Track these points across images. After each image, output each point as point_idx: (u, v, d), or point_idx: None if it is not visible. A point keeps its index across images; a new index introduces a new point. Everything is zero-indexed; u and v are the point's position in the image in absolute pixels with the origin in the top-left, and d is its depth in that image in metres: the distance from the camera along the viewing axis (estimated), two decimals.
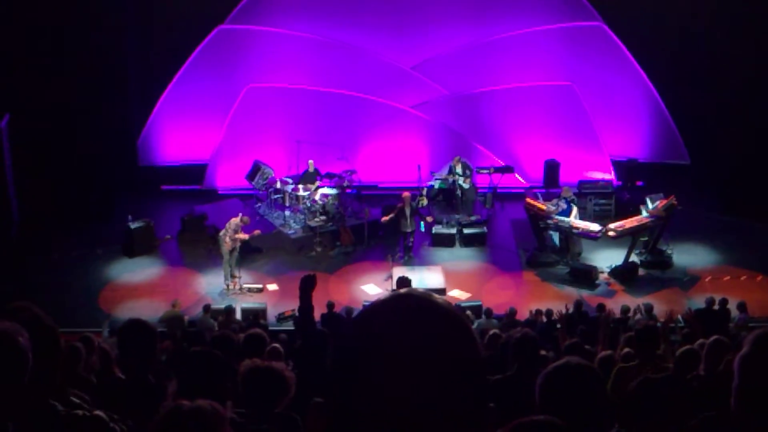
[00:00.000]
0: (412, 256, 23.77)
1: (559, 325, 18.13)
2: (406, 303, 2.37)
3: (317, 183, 25.33)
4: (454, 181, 26.22)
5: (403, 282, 8.66)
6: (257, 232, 22.98)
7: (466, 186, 26.17)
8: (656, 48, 26.55)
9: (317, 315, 17.24)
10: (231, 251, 22.03)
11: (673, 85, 27.00)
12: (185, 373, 7.32)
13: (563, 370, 4.30)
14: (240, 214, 22.52)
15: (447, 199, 26.92)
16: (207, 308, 19.23)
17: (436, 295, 2.43)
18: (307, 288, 9.32)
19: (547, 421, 3.89)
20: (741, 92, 25.71)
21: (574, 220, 23.05)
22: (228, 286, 22.08)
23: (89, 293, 21.91)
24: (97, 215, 25.16)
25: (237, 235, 22.00)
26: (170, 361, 11.15)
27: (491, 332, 13.74)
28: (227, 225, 22.11)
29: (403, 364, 2.24)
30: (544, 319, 18.50)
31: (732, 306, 18.69)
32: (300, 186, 24.89)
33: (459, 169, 26.24)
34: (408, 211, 23.31)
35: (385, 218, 23.67)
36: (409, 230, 23.49)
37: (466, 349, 2.33)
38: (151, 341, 6.63)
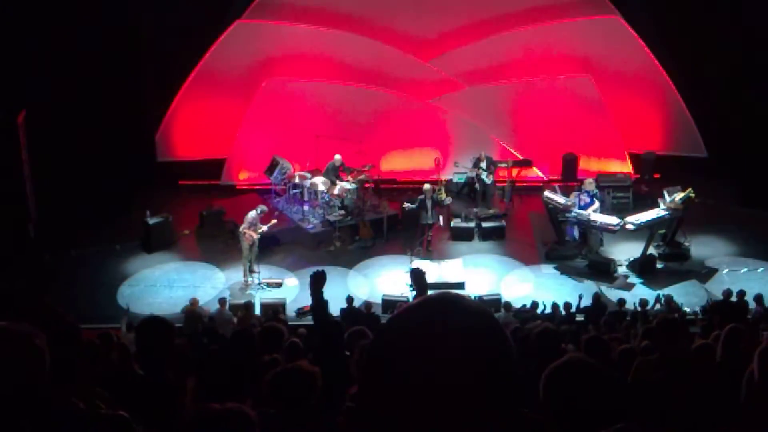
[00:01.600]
0: (431, 250, 23.77)
1: (579, 317, 18.23)
2: (437, 307, 2.36)
3: (340, 176, 25.36)
4: (477, 175, 26.17)
5: (417, 274, 8.64)
6: (274, 221, 23.00)
7: (488, 181, 26.15)
8: (673, 41, 26.42)
9: (336, 309, 17.36)
10: (251, 246, 22.07)
11: (690, 78, 26.90)
12: (205, 370, 7.35)
13: (564, 368, 4.29)
14: (257, 207, 22.55)
15: (468, 192, 26.91)
16: (223, 302, 19.24)
17: (466, 297, 2.43)
18: (317, 285, 9.31)
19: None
20: (758, 84, 25.59)
21: (592, 213, 23.00)
22: (247, 281, 22.12)
23: (108, 289, 21.98)
24: (116, 211, 25.18)
25: (257, 228, 22.03)
26: (189, 358, 11.18)
27: (511, 326, 13.74)
28: (245, 219, 22.15)
29: (435, 369, 2.23)
30: (563, 312, 18.52)
31: (749, 298, 18.64)
32: (318, 180, 24.88)
33: (484, 164, 26.19)
34: (429, 204, 23.33)
35: (408, 205, 23.67)
36: (430, 222, 23.51)
37: (500, 351, 2.33)
38: (168, 338, 6.65)
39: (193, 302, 19.31)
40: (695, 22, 25.88)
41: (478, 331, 2.31)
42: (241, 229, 22.16)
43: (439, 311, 2.34)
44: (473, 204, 26.10)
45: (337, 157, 25.61)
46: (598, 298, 19.44)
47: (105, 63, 25.26)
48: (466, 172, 26.66)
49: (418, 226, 23.74)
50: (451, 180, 26.98)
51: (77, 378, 4.40)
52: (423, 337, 2.28)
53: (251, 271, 22.25)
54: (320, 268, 9.40)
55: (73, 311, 18.53)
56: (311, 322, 17.76)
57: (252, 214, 22.13)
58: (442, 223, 24.46)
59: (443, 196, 24.61)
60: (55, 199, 23.70)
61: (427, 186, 23.76)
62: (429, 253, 23.62)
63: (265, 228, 22.27)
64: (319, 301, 9.34)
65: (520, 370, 2.39)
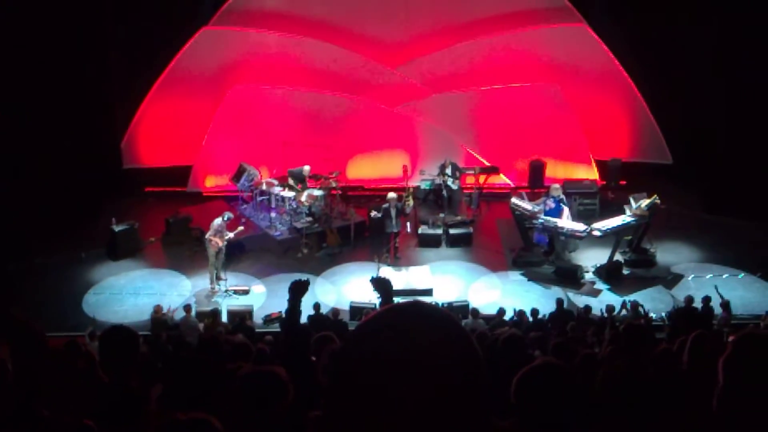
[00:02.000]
0: (398, 257, 23.79)
1: (550, 325, 18.28)
2: (403, 315, 2.36)
3: (301, 185, 25.38)
4: (442, 182, 26.23)
5: (380, 282, 8.59)
6: (241, 228, 22.98)
7: (454, 187, 26.20)
8: (638, 48, 26.55)
9: (304, 317, 17.32)
10: (217, 253, 22.01)
11: (656, 85, 27.04)
12: (171, 378, 7.30)
13: (536, 372, 4.31)
14: (223, 213, 22.53)
15: (435, 199, 26.95)
16: (188, 309, 19.13)
17: (432, 304, 2.43)
18: (297, 293, 9.24)
19: None
20: (723, 91, 25.74)
21: (560, 219, 23.10)
22: (214, 288, 22.06)
23: (73, 297, 21.83)
24: (81, 218, 25.04)
25: (223, 235, 21.99)
26: (154, 366, 11.12)
27: (478, 332, 13.77)
28: (211, 226, 22.11)
29: (403, 377, 2.23)
30: (530, 318, 18.56)
31: (715, 304, 18.75)
32: (285, 186, 24.90)
33: (449, 170, 26.25)
34: (393, 213, 23.35)
35: (374, 213, 23.75)
36: (394, 231, 23.53)
37: (467, 358, 2.33)
38: (133, 347, 6.61)
39: (157, 309, 19.21)
40: (661, 30, 26.00)
41: (444, 339, 2.31)
42: (206, 236, 22.10)
43: (405, 319, 2.34)
44: (440, 210, 26.13)
45: (307, 168, 25.63)
46: (561, 304, 19.51)
47: (70, 70, 25.13)
48: (432, 179, 26.71)
49: (384, 234, 23.76)
50: (419, 187, 27.02)
51: (42, 386, 4.36)
52: (390, 345, 2.28)
53: (218, 279, 22.19)
54: (304, 277, 9.33)
55: (38, 319, 18.40)
56: (278, 330, 17.82)
57: (217, 221, 22.10)
58: (409, 230, 24.49)
59: (411, 202, 24.64)
60: (19, 207, 23.53)
61: (390, 195, 23.79)
62: (396, 260, 23.63)
63: (231, 235, 22.23)
64: (294, 309, 9.27)
65: (487, 377, 2.39)
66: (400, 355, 2.25)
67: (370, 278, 8.50)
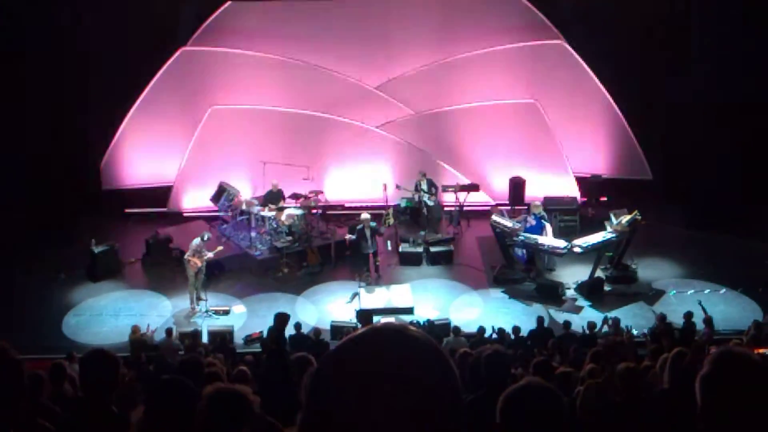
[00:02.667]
0: (380, 275, 23.75)
1: (529, 342, 18.29)
2: (381, 336, 2.35)
3: (282, 203, 25.39)
4: (419, 198, 26.24)
5: (364, 316, 8.60)
6: (220, 248, 22.95)
7: (431, 203, 26.19)
8: (616, 64, 26.66)
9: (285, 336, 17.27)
10: (196, 273, 21.94)
11: (635, 101, 27.13)
12: (152, 400, 7.24)
13: (522, 392, 4.29)
14: (202, 233, 22.50)
15: (413, 217, 26.92)
16: (169, 332, 19.08)
17: (410, 326, 2.42)
18: (280, 326, 9.26)
19: None
20: (701, 108, 25.86)
21: (540, 236, 23.14)
22: (194, 308, 21.98)
23: (53, 318, 21.72)
24: (61, 240, 24.96)
25: (202, 255, 21.94)
26: (135, 389, 11.05)
27: (461, 351, 13.73)
28: (190, 246, 22.06)
29: (380, 397, 2.22)
30: (512, 336, 18.56)
31: (697, 320, 18.77)
32: (265, 207, 24.90)
33: (424, 186, 26.24)
34: (368, 233, 23.32)
35: (349, 236, 23.77)
36: (370, 251, 23.50)
37: (443, 379, 2.32)
38: (113, 370, 6.55)
39: (134, 330, 19.11)
40: (639, 46, 26.11)
41: (423, 361, 2.30)
42: (185, 256, 22.04)
43: (383, 341, 2.33)
44: (419, 228, 26.11)
45: (274, 182, 25.71)
46: (542, 321, 19.52)
47: (49, 90, 25.09)
48: (411, 196, 26.66)
49: (362, 255, 23.73)
50: (399, 205, 26.98)
51: (19, 411, 4.31)
52: (367, 366, 2.27)
53: (198, 299, 22.11)
54: (286, 312, 9.41)
55: (17, 341, 18.30)
56: (259, 350, 17.77)
57: (196, 241, 22.07)
58: (390, 248, 24.48)
59: (391, 220, 24.64)
60: None
61: (364, 216, 23.79)
62: (378, 279, 23.58)
63: (210, 255, 22.18)
64: (278, 342, 9.27)
65: (466, 398, 2.38)
66: (378, 375, 2.25)
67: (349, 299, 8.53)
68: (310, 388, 2.37)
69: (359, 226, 23.51)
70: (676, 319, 19.11)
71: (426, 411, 2.24)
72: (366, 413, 2.22)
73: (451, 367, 2.35)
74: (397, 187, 26.51)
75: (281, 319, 9.46)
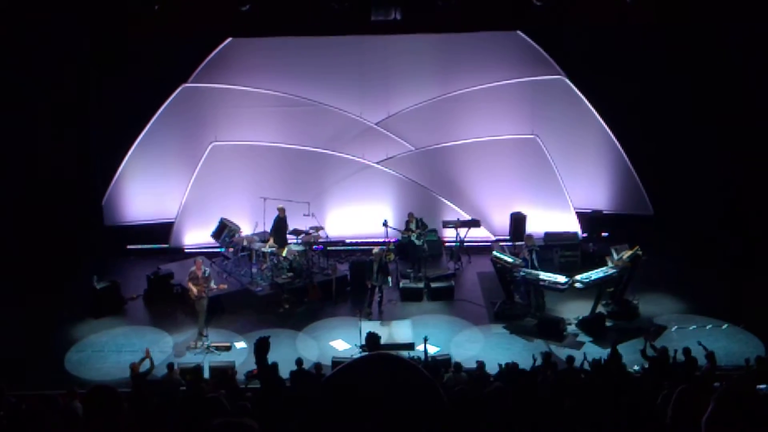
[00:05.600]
0: (381, 311, 23.73)
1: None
2: (372, 364, 2.40)
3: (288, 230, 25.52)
4: (407, 237, 26.26)
5: (372, 338, 8.64)
6: (223, 286, 22.97)
7: (418, 242, 26.02)
8: (618, 100, 26.74)
9: (286, 372, 17.27)
10: (199, 299, 21.98)
11: (636, 137, 27.22)
12: None
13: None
14: (194, 259, 22.65)
15: (402, 254, 26.91)
16: (171, 367, 19.03)
17: (398, 355, 2.47)
18: (261, 352, 9.23)
19: None
20: (703, 143, 25.95)
21: (540, 272, 23.17)
22: (195, 343, 21.94)
23: (55, 354, 21.69)
24: (63, 276, 24.99)
25: (202, 283, 21.99)
26: (137, 424, 11.05)
27: (459, 387, 13.71)
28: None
29: (371, 422, 2.26)
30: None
31: (698, 355, 18.70)
32: (266, 243, 24.95)
33: (413, 225, 26.20)
34: (375, 267, 23.37)
35: (369, 282, 23.82)
36: (376, 284, 23.51)
37: (432, 404, 2.36)
38: (116, 406, 6.56)
39: (133, 367, 19.02)
40: (640, 81, 26.20)
41: (411, 387, 2.35)
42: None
43: (373, 369, 2.38)
44: (411, 266, 26.13)
45: (281, 207, 25.77)
46: (549, 357, 19.43)
47: (51, 126, 25.20)
48: (399, 234, 26.64)
49: (366, 289, 23.75)
50: (399, 241, 26.97)
51: None
52: (358, 393, 2.31)
53: (200, 335, 22.10)
54: (264, 335, 9.34)
55: (18, 378, 18.33)
56: (259, 386, 17.71)
57: (192, 269, 22.21)
58: (390, 284, 24.48)
59: (391, 257, 24.67)
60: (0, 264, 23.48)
61: (376, 249, 23.89)
62: (381, 315, 23.56)
63: (213, 286, 22.21)
64: (264, 367, 9.25)
65: (451, 423, 2.43)
66: (369, 401, 2.29)
67: (367, 333, 8.50)
68: (306, 413, 2.42)
69: (369, 258, 23.59)
70: (678, 354, 19.06)
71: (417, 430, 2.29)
72: None
73: (438, 392, 2.40)
74: (385, 224, 26.34)
75: (260, 345, 9.37)
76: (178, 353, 21.33)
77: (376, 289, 23.64)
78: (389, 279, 24.01)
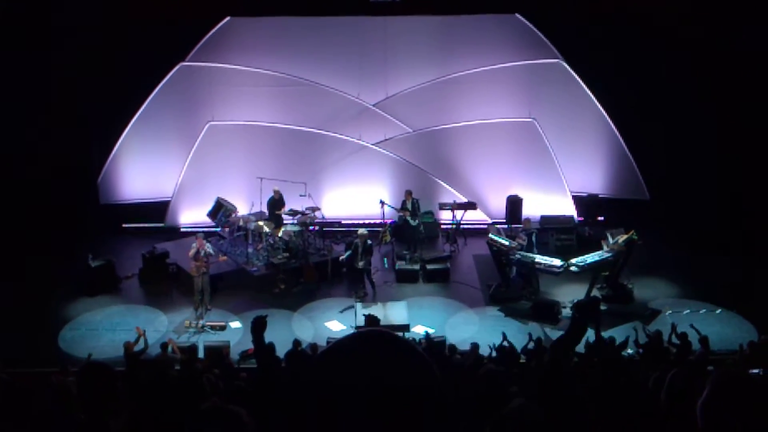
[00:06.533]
0: (375, 291, 23.76)
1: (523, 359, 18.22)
2: (365, 341, 2.39)
3: (283, 210, 25.60)
4: (402, 217, 26.25)
5: (371, 321, 8.64)
6: (224, 258, 23.07)
7: (414, 223, 26.04)
8: (615, 84, 26.70)
9: (282, 352, 17.28)
10: (201, 275, 22.05)
11: (632, 122, 27.18)
12: (148, 413, 7.28)
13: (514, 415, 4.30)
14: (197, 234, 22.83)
15: (398, 235, 26.92)
16: (164, 346, 19.01)
17: (392, 332, 2.46)
18: (257, 331, 9.25)
19: None
20: (700, 128, 25.92)
21: (536, 255, 23.19)
22: (189, 323, 21.95)
23: (49, 332, 21.69)
24: (58, 254, 24.97)
25: (202, 259, 22.07)
26: (131, 402, 11.04)
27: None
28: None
29: (365, 397, 2.26)
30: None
31: (692, 339, 18.72)
32: (263, 223, 24.91)
33: (409, 205, 26.17)
34: (360, 249, 23.38)
35: (342, 258, 23.87)
36: (360, 266, 23.50)
37: (426, 381, 2.35)
38: (110, 384, 6.55)
39: (128, 346, 18.98)
40: (637, 65, 26.17)
41: (405, 364, 2.35)
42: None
43: (366, 346, 2.38)
44: (405, 246, 26.16)
45: (276, 189, 25.80)
46: (540, 341, 19.41)
47: (47, 105, 25.13)
48: (395, 213, 26.64)
49: (357, 270, 23.78)
50: (395, 222, 26.96)
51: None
52: (352, 371, 2.31)
53: (201, 308, 22.23)
54: (261, 314, 9.35)
55: (12, 355, 18.35)
56: (255, 365, 17.73)
57: (193, 244, 22.34)
58: (387, 266, 24.47)
59: (388, 237, 24.65)
60: None
61: (361, 231, 23.91)
62: (374, 295, 23.59)
63: (217, 258, 22.40)
64: (260, 346, 9.27)
65: (446, 401, 2.43)
66: (362, 379, 2.28)
67: (365, 315, 8.52)
68: (298, 390, 2.41)
69: (355, 241, 23.60)
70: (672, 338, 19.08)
71: (410, 413, 2.28)
72: (353, 411, 2.26)
73: (432, 369, 2.40)
74: (381, 203, 26.35)
75: (257, 323, 9.38)
76: (177, 331, 21.37)
77: (369, 271, 23.66)
78: (385, 259, 24.01)
